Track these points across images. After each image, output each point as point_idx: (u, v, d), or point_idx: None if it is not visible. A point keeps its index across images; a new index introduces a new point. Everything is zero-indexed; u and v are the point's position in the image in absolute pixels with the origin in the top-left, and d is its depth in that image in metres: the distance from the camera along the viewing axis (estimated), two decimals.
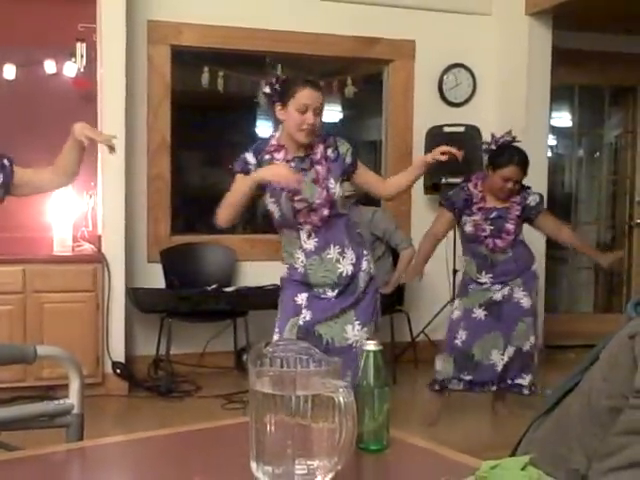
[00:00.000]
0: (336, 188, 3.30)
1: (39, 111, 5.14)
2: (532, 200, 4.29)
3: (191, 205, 6.49)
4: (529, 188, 4.32)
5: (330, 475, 1.21)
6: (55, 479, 1.37)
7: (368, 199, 4.80)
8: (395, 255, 5.17)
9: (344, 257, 3.33)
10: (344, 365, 3.22)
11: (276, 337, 3.37)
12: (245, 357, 5.23)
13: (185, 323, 5.16)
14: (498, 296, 4.27)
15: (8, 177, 3.17)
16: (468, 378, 4.29)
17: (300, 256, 3.34)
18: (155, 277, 5.29)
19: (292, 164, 3.26)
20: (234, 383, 5.10)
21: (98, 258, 4.91)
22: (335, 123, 8.96)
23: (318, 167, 3.28)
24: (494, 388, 4.34)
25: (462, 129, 5.68)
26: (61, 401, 1.59)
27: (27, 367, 4.55)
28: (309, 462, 1.19)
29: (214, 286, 5.23)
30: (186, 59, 5.75)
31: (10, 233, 4.98)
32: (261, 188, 3.26)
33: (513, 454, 1.37)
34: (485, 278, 4.30)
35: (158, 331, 5.20)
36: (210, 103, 6.39)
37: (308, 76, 3.41)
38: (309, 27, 5.65)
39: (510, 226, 4.24)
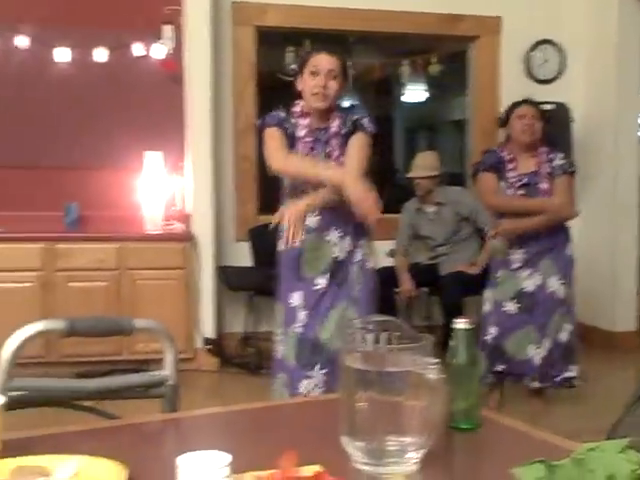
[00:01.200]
0: None
1: (129, 93, 5.27)
2: (559, 158, 4.10)
3: (277, 184, 6.54)
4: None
5: (421, 452, 1.22)
6: (151, 447, 1.42)
7: (453, 180, 4.76)
8: (482, 236, 5.10)
9: (342, 243, 3.19)
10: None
11: (279, 342, 3.29)
12: None
13: (272, 301, 5.22)
14: (530, 286, 4.06)
15: None
16: (501, 368, 4.12)
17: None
18: (243, 255, 5.37)
19: (308, 139, 3.17)
20: None
21: (188, 237, 5.03)
22: (419, 102, 8.88)
23: (332, 141, 3.17)
24: (536, 384, 4.12)
25: (550, 107, 5.55)
26: (156, 372, 1.65)
27: (122, 341, 4.72)
28: (400, 439, 1.20)
29: None
30: (270, 40, 5.78)
31: (105, 212, 5.15)
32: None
33: (608, 439, 1.35)
34: (518, 254, 4.09)
35: (247, 308, 5.29)
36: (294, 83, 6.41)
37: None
38: (393, 5, 5.60)
39: (544, 185, 4.06)
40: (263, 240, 5.49)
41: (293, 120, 3.18)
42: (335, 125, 3.16)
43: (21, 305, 4.66)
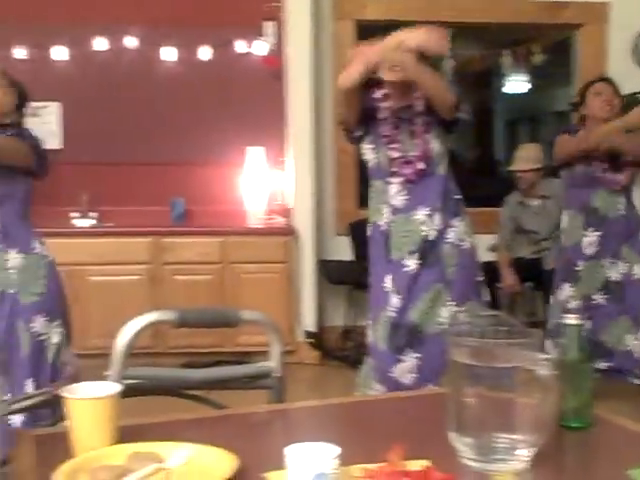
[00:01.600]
0: (435, 144, 3.14)
1: (232, 89, 5.36)
2: None
3: None
4: None
5: (532, 450, 1.20)
6: (259, 437, 1.45)
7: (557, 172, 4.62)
8: None
9: (431, 221, 3.11)
10: (437, 356, 2.84)
11: (369, 332, 3.25)
12: None
13: None
14: (615, 275, 3.93)
15: None
16: (605, 365, 3.94)
17: (385, 212, 3.17)
18: (343, 249, 5.39)
19: (397, 114, 3.14)
20: None
21: (289, 231, 5.08)
22: (521, 94, 8.68)
23: (418, 119, 3.13)
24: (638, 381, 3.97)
25: None
26: (263, 364, 1.67)
27: (226, 334, 4.81)
28: (510, 436, 1.18)
29: None
30: (370, 33, 5.75)
31: (209, 207, 5.27)
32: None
33: None
34: (591, 237, 3.94)
35: (346, 302, 5.30)
36: None
37: None
38: None
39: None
40: (363, 234, 5.50)
41: (375, 105, 3.17)
42: (420, 104, 3.12)
43: (130, 297, 4.83)
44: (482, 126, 9.37)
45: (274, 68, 5.31)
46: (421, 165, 3.12)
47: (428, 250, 3.12)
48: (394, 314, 3.14)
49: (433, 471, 1.15)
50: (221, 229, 5.04)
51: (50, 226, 4.99)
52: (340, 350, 5.34)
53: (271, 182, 5.33)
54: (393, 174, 3.13)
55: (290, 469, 1.11)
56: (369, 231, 3.27)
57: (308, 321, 5.16)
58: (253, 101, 5.36)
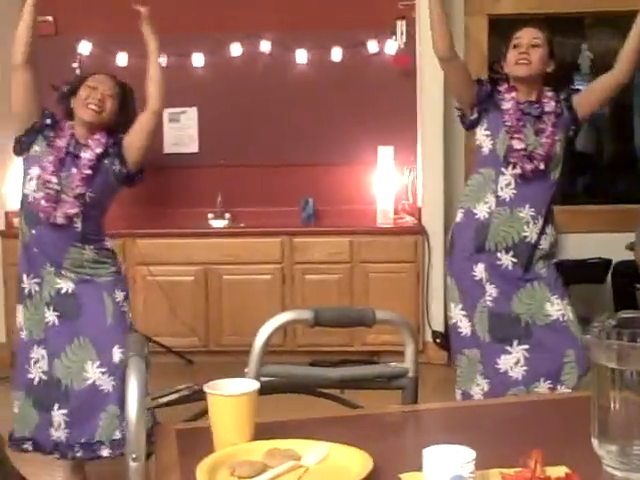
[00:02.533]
0: (558, 147, 3.09)
1: (363, 90, 5.38)
2: None
3: None
4: None
5: None
6: (394, 437, 1.45)
7: None
8: None
9: (535, 223, 3.06)
10: (559, 345, 2.93)
11: (461, 320, 3.15)
12: None
13: None
14: None
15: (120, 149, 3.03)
16: None
17: (490, 201, 3.07)
18: None
19: (522, 106, 3.08)
20: None
21: (418, 230, 5.06)
22: None
23: (547, 118, 3.07)
24: None
25: None
26: (398, 364, 1.67)
27: (354, 333, 4.84)
28: None
29: None
30: (503, 28, 5.65)
31: (338, 206, 5.32)
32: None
33: None
34: None
35: None
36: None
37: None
38: None
39: None
40: None
41: (499, 95, 3.12)
42: (550, 105, 3.10)
43: (262, 296, 4.94)
44: (620, 121, 9.00)
45: (405, 67, 5.30)
46: (542, 165, 3.07)
47: (524, 251, 3.09)
48: (492, 304, 3.09)
49: (575, 478, 1.12)
50: (351, 229, 5.07)
51: (189, 226, 5.21)
52: None
53: (401, 181, 5.31)
54: (508, 165, 3.07)
55: (426, 471, 1.11)
56: (458, 217, 3.20)
57: (436, 321, 5.12)
58: (384, 101, 5.36)
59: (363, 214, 5.28)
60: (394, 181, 5.26)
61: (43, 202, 2.89)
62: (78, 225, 2.93)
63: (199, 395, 1.39)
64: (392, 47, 5.32)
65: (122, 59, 5.41)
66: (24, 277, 3.00)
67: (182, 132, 5.47)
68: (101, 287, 2.98)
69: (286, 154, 5.42)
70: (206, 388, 1.34)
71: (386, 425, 1.51)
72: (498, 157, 3.09)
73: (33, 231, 2.95)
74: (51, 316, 2.96)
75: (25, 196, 2.97)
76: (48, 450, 3.01)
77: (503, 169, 3.08)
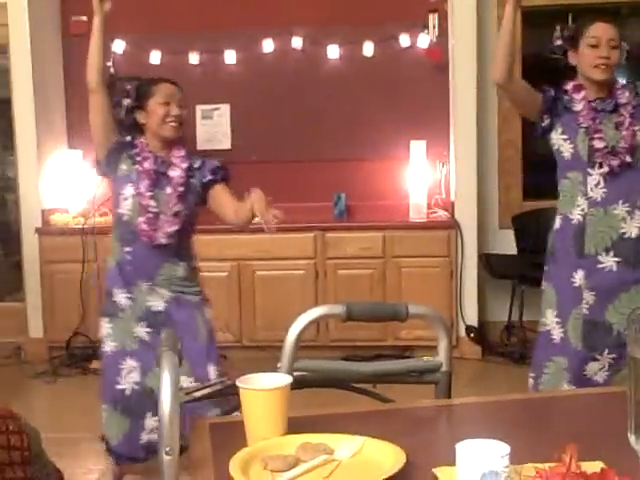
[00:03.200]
0: (639, 136, 2.98)
1: (395, 84, 5.37)
2: None
3: (543, 169, 6.34)
4: None
5: None
6: (427, 432, 1.45)
7: None
8: None
9: (632, 217, 2.95)
10: None
11: (554, 327, 3.08)
12: None
13: (538, 289, 5.07)
14: None
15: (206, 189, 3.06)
16: None
17: (582, 204, 3.00)
18: (507, 243, 5.27)
19: (594, 104, 3.00)
20: None
21: (451, 224, 5.03)
22: None
23: (623, 110, 2.98)
24: None
25: None
26: (431, 358, 1.67)
27: (387, 328, 4.84)
28: None
29: None
30: (537, 20, 5.59)
31: (371, 202, 5.31)
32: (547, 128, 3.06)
33: None
34: None
35: (510, 297, 5.19)
36: (562, 64, 6.16)
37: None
38: None
39: None
40: (528, 227, 5.36)
41: (566, 97, 3.05)
42: (625, 95, 3.02)
43: (295, 291, 4.96)
44: None
45: (437, 60, 5.27)
46: (628, 157, 2.98)
47: (626, 248, 2.99)
48: (588, 312, 3.02)
49: (611, 474, 1.11)
50: (383, 224, 5.06)
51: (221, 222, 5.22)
52: (503, 346, 5.23)
53: (434, 176, 5.29)
54: (594, 165, 3.00)
55: (460, 465, 1.10)
56: (557, 223, 3.15)
57: (470, 316, 5.09)
58: (416, 95, 5.34)
59: (396, 209, 5.27)
60: (427, 175, 5.24)
61: (144, 226, 2.93)
62: (174, 242, 2.97)
63: (232, 389, 1.40)
64: (424, 41, 5.29)
65: (155, 57, 5.46)
66: (115, 291, 3.03)
67: (215, 129, 5.50)
68: (192, 305, 3.02)
69: (318, 150, 5.43)
70: (238, 382, 1.34)
71: (419, 419, 1.50)
72: (582, 159, 3.03)
73: (127, 249, 2.99)
74: (141, 331, 3.00)
75: (120, 215, 3.00)
76: (139, 456, 3.05)
77: (589, 170, 3.01)
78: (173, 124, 2.96)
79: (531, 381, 3.17)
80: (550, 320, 3.12)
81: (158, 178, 2.98)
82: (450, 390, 1.66)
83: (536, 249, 5.19)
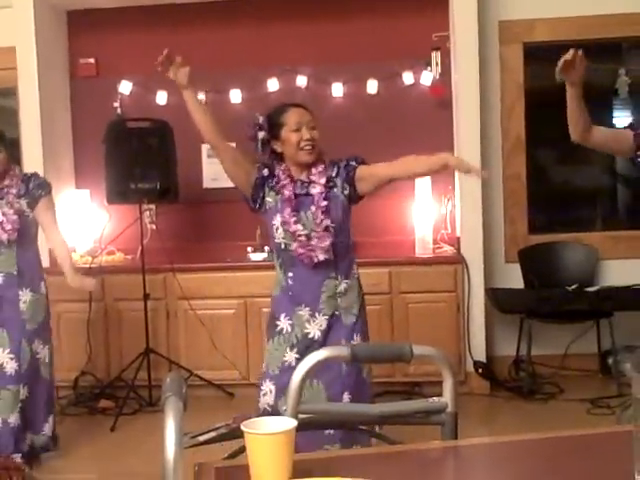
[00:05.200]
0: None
1: (400, 121, 5.41)
2: None
3: (549, 203, 6.36)
4: None
5: None
6: (432, 475, 1.44)
7: None
8: None
9: None
10: None
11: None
12: (611, 360, 5.00)
13: (546, 324, 5.07)
14: None
15: None
16: None
17: None
18: (513, 277, 5.27)
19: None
20: (599, 387, 4.91)
21: (458, 259, 5.04)
22: None
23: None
24: None
25: None
26: (436, 399, 1.66)
27: (395, 364, 4.81)
28: None
29: (575, 286, 5.06)
30: (538, 55, 5.64)
31: (377, 238, 5.33)
32: None
33: None
34: None
35: (518, 331, 5.17)
36: (565, 98, 6.20)
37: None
38: None
39: None
40: (534, 261, 5.37)
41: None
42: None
43: None
44: None
45: (440, 97, 5.32)
46: None
47: None
48: None
49: None
50: (389, 259, 5.06)
51: (228, 260, 5.24)
52: (511, 381, 5.20)
53: (439, 211, 5.31)
54: None
55: None
56: None
57: (477, 350, 5.07)
58: (420, 131, 5.38)
59: (402, 244, 5.28)
60: (432, 211, 5.26)
61: (300, 250, 3.02)
62: (331, 256, 3.05)
63: (237, 433, 1.40)
64: (427, 78, 5.35)
65: (162, 97, 5.52)
66: (281, 316, 3.11)
67: (219, 167, 5.53)
68: (347, 329, 3.07)
69: None
70: (243, 427, 1.34)
71: (426, 462, 1.49)
72: None
73: (290, 274, 3.08)
74: (291, 357, 3.04)
75: (278, 244, 3.09)
76: None
77: None
78: (308, 148, 3.05)
79: None
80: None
81: (300, 201, 3.05)
82: (456, 431, 1.65)
83: (543, 283, 5.20)
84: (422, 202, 5.23)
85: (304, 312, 3.06)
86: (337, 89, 5.43)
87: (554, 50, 5.56)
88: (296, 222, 3.03)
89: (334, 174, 3.12)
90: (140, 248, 5.00)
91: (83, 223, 5.50)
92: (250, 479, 1.34)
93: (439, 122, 5.34)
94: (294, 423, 1.37)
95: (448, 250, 5.20)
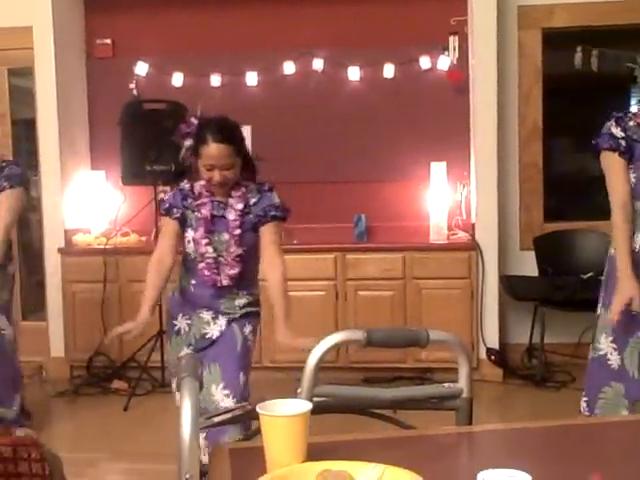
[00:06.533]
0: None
1: (415, 106, 5.38)
2: None
3: (564, 191, 6.32)
4: None
5: None
6: (448, 460, 1.43)
7: None
8: None
9: None
10: None
11: (611, 352, 3.03)
12: None
13: (559, 312, 5.05)
14: None
15: None
16: None
17: (638, 237, 2.96)
18: (528, 265, 5.24)
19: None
20: None
21: (472, 246, 5.02)
22: None
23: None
24: None
25: None
26: (451, 385, 1.66)
27: (407, 349, 4.81)
28: None
29: (590, 274, 5.03)
30: (557, 41, 5.59)
31: (391, 223, 5.31)
32: None
33: None
34: None
35: (532, 319, 5.15)
36: (583, 85, 6.15)
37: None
38: None
39: None
40: (549, 249, 5.34)
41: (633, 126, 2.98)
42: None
43: (315, 312, 4.94)
44: None
45: (457, 82, 5.28)
46: None
47: None
48: None
49: None
50: (403, 245, 5.05)
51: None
52: (524, 368, 5.19)
53: (454, 197, 5.28)
54: None
55: None
56: (612, 250, 3.11)
57: (490, 338, 5.06)
58: (437, 116, 5.35)
59: (416, 230, 5.26)
60: (447, 197, 5.24)
61: (206, 272, 3.01)
62: (237, 280, 3.03)
63: (252, 415, 1.40)
64: (445, 63, 5.31)
65: (178, 79, 5.52)
66: (178, 316, 3.12)
67: None
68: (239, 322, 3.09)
69: (339, 171, 5.44)
70: (259, 408, 1.34)
71: (440, 447, 1.49)
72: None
73: (193, 281, 3.08)
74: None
75: (186, 253, 3.08)
76: None
77: None
78: (216, 188, 2.98)
79: (584, 405, 3.10)
80: (605, 345, 3.06)
81: (215, 223, 3.00)
82: (471, 417, 1.65)
83: (557, 271, 5.18)
84: (437, 188, 5.21)
85: (206, 315, 3.05)
86: (353, 73, 5.40)
87: (573, 36, 5.55)
88: (207, 244, 2.98)
89: (252, 202, 3.02)
90: (154, 230, 5.00)
91: (98, 204, 5.51)
92: (265, 461, 1.34)
93: (456, 107, 5.30)
94: (309, 406, 1.37)
95: (463, 237, 5.18)
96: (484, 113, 5.03)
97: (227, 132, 2.95)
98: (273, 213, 3.01)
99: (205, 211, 3.00)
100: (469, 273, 4.98)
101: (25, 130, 5.99)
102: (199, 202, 3.01)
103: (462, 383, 1.64)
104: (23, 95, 5.85)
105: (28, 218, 6.13)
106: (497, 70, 5.03)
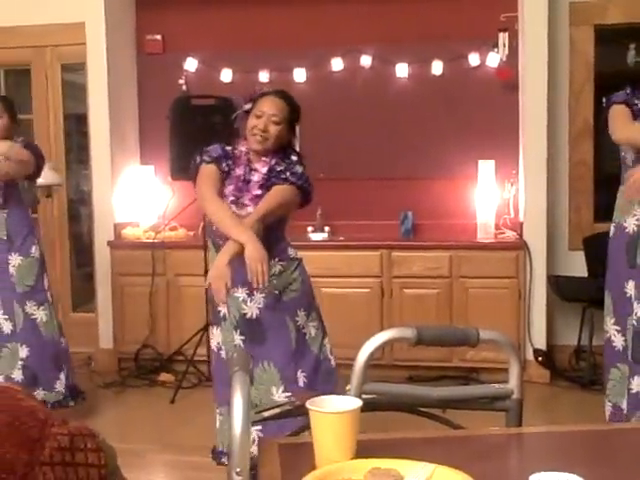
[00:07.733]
0: None
1: (463, 103, 5.34)
2: None
3: (615, 191, 6.21)
4: None
5: None
6: (497, 461, 1.42)
7: None
8: None
9: None
10: None
11: (615, 334, 2.98)
12: None
13: None
14: None
15: None
16: None
17: (638, 213, 2.95)
18: (577, 265, 5.16)
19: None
20: None
21: (520, 245, 4.96)
22: None
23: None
24: None
25: None
26: (501, 385, 1.65)
27: (453, 348, 4.78)
28: None
29: None
30: (609, 37, 5.50)
31: (438, 221, 5.28)
32: None
33: None
34: None
35: (580, 320, 5.08)
36: (635, 82, 6.04)
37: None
38: None
39: None
40: (599, 249, 5.24)
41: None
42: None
43: (360, 309, 4.94)
44: None
45: (507, 80, 5.23)
46: None
47: None
48: (637, 323, 2.95)
49: None
50: (450, 243, 5.02)
51: (289, 239, 5.25)
52: (572, 370, 5.12)
53: (502, 195, 5.23)
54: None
55: None
56: (611, 231, 3.07)
57: (538, 339, 5.00)
58: (485, 114, 5.30)
59: (463, 229, 5.23)
60: (495, 195, 5.19)
61: None
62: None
63: (301, 410, 1.40)
64: (494, 60, 5.25)
65: (226, 75, 5.55)
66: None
67: None
68: (287, 304, 3.07)
69: (386, 168, 5.43)
70: (309, 404, 1.35)
71: (490, 447, 1.48)
72: None
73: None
74: (237, 339, 3.04)
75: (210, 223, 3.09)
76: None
77: None
78: (257, 137, 2.97)
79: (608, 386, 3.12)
80: (609, 327, 3.06)
81: (243, 185, 3.02)
82: (521, 418, 1.63)
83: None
84: (485, 186, 5.16)
85: (240, 293, 2.99)
86: (401, 69, 5.37)
87: (627, 32, 5.45)
88: (233, 202, 2.99)
89: (278, 169, 3.02)
90: (202, 224, 5.04)
91: (147, 198, 5.58)
92: (314, 457, 1.35)
93: (505, 105, 5.25)
94: (359, 403, 1.37)
95: (510, 236, 5.13)
96: (534, 111, 4.96)
97: (288, 95, 3.07)
98: (287, 176, 2.98)
99: (239, 171, 3.02)
100: (517, 273, 4.93)
101: (76, 125, 6.09)
102: (239, 160, 3.03)
103: (512, 384, 1.63)
104: (75, 90, 5.94)
105: (79, 211, 6.24)
106: (548, 67, 4.97)
